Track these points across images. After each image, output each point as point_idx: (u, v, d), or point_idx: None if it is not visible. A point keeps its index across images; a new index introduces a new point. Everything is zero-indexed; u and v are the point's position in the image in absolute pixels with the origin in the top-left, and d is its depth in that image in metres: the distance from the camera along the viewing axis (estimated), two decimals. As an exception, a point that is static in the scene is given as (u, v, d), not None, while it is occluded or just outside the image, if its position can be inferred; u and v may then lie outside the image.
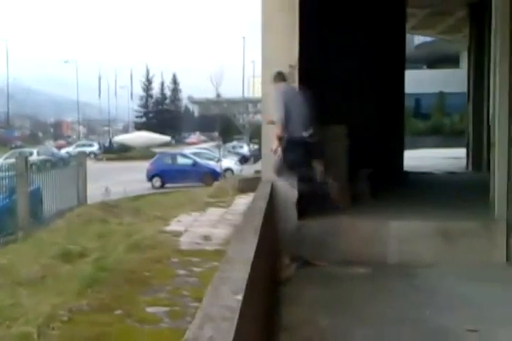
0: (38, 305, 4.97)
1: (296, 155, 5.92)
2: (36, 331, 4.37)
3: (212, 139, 59.11)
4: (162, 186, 21.94)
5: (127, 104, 73.49)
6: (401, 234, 5.98)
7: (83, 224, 9.78)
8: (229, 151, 36.00)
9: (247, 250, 2.68)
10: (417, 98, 31.41)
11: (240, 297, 1.99)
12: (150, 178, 22.36)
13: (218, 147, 40.10)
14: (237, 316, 1.81)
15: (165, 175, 22.23)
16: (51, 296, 5.30)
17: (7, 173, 14.82)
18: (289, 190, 6.14)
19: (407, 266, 5.77)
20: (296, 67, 6.25)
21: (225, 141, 47.95)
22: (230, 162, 26.93)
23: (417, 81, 27.72)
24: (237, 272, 2.32)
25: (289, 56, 6.25)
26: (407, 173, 10.50)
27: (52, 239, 8.78)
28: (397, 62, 10.64)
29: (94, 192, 14.26)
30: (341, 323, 4.12)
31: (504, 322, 4.10)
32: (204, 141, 58.07)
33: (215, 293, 2.09)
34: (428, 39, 25.59)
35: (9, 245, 9.23)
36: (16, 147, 44.25)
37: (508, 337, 3.85)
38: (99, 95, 72.10)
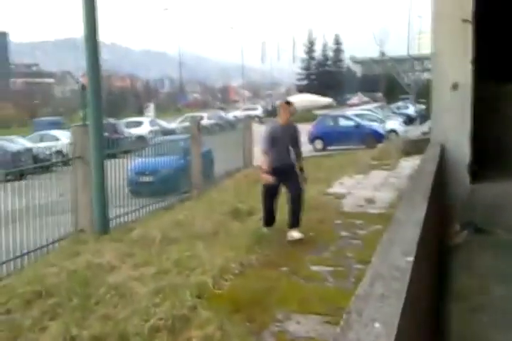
0: (213, 258, 5.36)
1: None
2: (211, 281, 4.74)
3: (375, 100, 57.57)
4: (324, 148, 22.04)
5: (289, 67, 74.50)
6: None
7: (250, 185, 10.25)
8: (393, 112, 34.81)
9: (417, 213, 2.59)
10: None
11: (410, 258, 1.94)
12: (312, 141, 22.55)
13: (381, 108, 38.98)
14: (408, 277, 1.77)
15: (327, 137, 22.24)
16: (224, 250, 5.68)
17: (182, 136, 16.09)
18: (460, 151, 5.78)
19: None
20: (470, 22, 5.77)
21: (389, 102, 46.44)
22: (394, 123, 26.08)
23: None
24: (408, 233, 2.26)
25: (462, 8, 5.77)
26: None
27: (223, 197, 9.37)
28: None
29: (260, 155, 14.80)
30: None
31: None
32: (366, 102, 56.74)
33: (384, 253, 2.06)
34: None
35: (185, 202, 10.06)
36: (221, 108, 49.13)
37: None
38: (263, 59, 73.97)
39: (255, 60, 77.30)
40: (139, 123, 30.29)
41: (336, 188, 9.45)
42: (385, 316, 1.46)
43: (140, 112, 48.28)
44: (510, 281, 4.09)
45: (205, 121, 31.59)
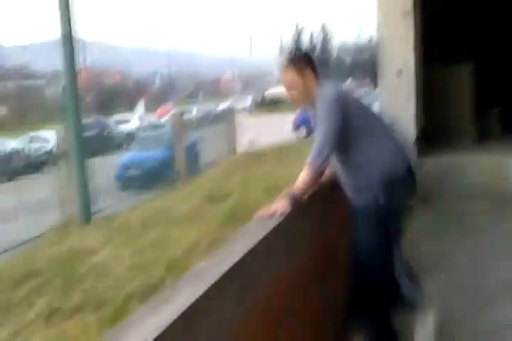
0: (184, 237, 5.92)
1: None
2: (181, 255, 5.28)
3: (362, 85, 57.89)
4: (308, 136, 22.50)
5: (278, 57, 74.76)
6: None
7: (230, 171, 10.77)
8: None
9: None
10: None
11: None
12: (296, 129, 23.05)
13: (369, 93, 39.30)
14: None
15: (309, 125, 22.67)
16: (196, 230, 6.23)
17: (168, 129, 16.62)
18: (407, 130, 6.29)
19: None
20: (412, 11, 6.26)
21: (376, 85, 46.79)
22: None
23: None
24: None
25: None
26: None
27: (203, 185, 9.90)
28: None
29: (245, 144, 15.39)
30: (443, 249, 4.40)
31: None
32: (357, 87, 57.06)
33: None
34: None
35: (169, 192, 10.60)
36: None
37: None
38: (251, 51, 74.20)
39: (245, 52, 77.76)
40: (128, 120, 30.75)
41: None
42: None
43: (131, 109, 48.62)
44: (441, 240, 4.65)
45: (194, 115, 32.14)
